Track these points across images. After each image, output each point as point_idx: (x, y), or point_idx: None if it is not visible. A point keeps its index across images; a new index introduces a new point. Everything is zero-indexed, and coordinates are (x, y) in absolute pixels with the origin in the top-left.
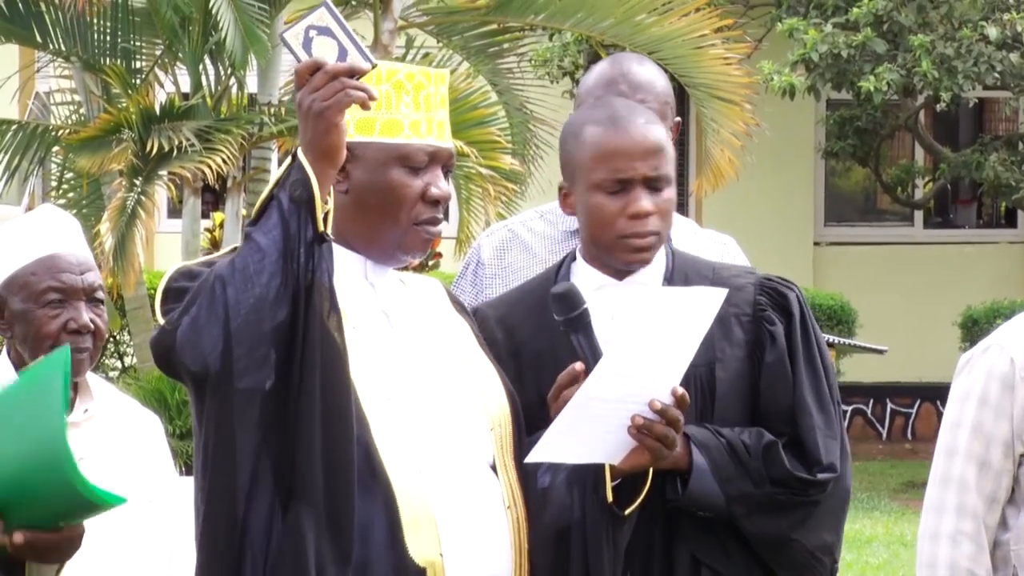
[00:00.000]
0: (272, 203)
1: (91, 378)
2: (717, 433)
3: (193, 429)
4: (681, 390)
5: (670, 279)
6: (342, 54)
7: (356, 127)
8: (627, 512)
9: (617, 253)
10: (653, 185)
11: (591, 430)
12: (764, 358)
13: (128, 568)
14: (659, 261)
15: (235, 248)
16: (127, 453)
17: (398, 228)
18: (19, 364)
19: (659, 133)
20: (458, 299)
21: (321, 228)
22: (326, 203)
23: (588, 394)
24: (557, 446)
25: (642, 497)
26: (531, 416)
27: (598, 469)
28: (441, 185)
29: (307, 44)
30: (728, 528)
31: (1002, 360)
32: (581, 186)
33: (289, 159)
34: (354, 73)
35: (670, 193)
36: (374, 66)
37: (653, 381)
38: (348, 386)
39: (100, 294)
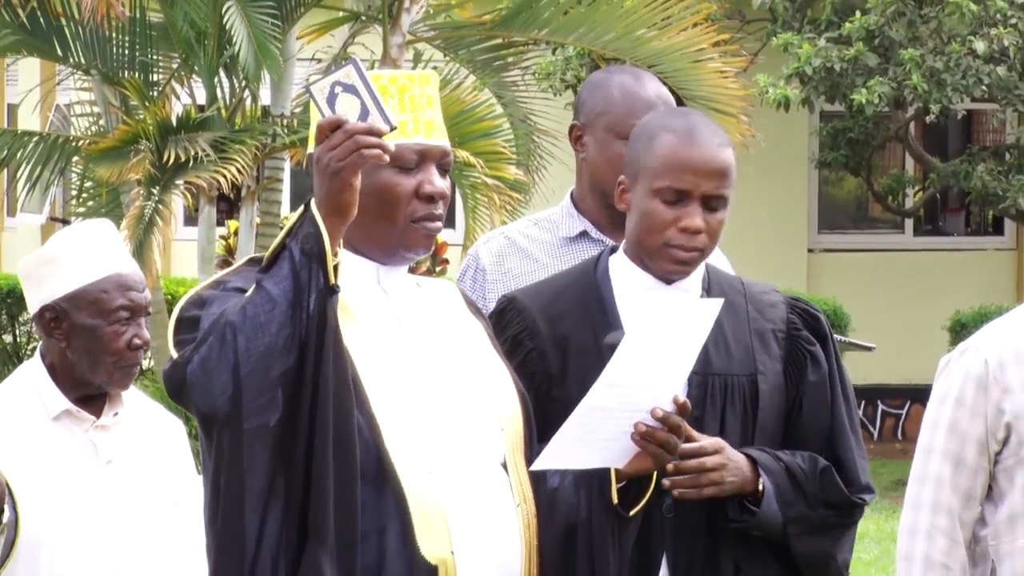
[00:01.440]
0: (284, 253)
1: None
2: (776, 457)
3: (202, 458)
4: (683, 398)
5: (708, 291)
6: (364, 113)
7: None
8: (631, 513)
9: (658, 260)
10: (709, 204)
11: (595, 438)
12: (806, 377)
13: (154, 569)
14: (698, 273)
15: (251, 259)
16: (154, 456)
17: (396, 227)
18: (60, 370)
19: (728, 156)
20: (473, 301)
21: (332, 280)
22: (336, 255)
23: (591, 404)
24: (562, 454)
25: (646, 499)
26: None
27: (603, 472)
28: (435, 182)
29: (331, 99)
30: (767, 541)
31: (977, 361)
32: (642, 188)
33: (301, 208)
34: (372, 134)
35: (723, 215)
36: (393, 128)
37: (655, 390)
38: (353, 424)
39: (151, 309)
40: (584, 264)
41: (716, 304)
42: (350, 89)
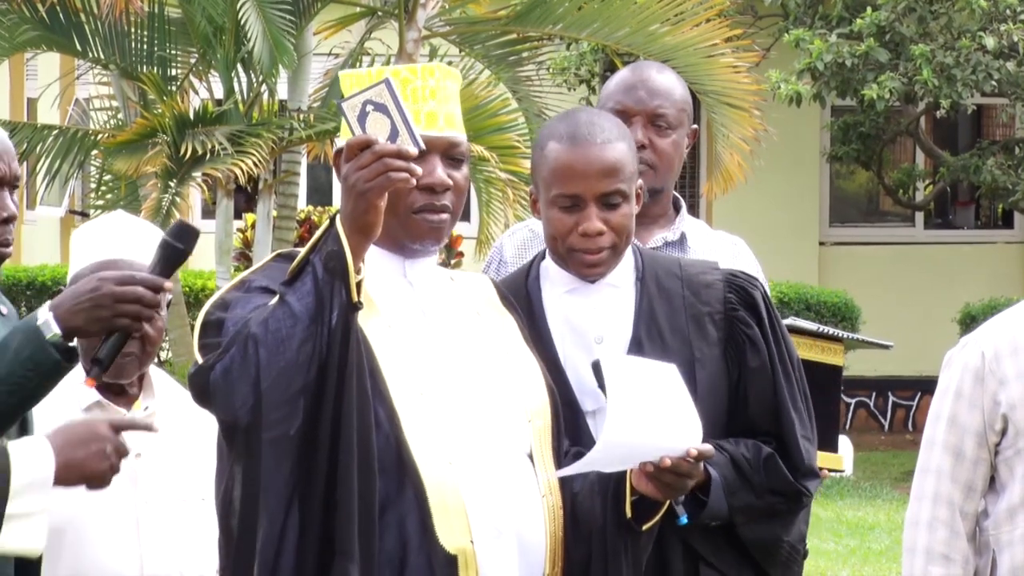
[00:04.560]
0: (307, 268)
1: (155, 374)
2: (719, 448)
3: (217, 461)
4: (698, 448)
5: (641, 278)
6: (393, 134)
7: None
8: (645, 528)
9: (571, 264)
10: (607, 202)
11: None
12: (747, 362)
13: (177, 563)
14: (628, 261)
15: (279, 255)
16: (184, 450)
17: (397, 218)
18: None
19: (615, 152)
20: (507, 295)
21: (355, 298)
22: (359, 272)
23: (592, 460)
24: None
25: (660, 514)
26: None
27: (619, 484)
28: (436, 172)
29: (362, 118)
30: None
31: (974, 355)
32: (543, 198)
33: (326, 223)
34: (401, 157)
35: (627, 209)
36: (422, 150)
37: (666, 442)
38: (373, 439)
39: (169, 300)
40: (520, 270)
41: (669, 368)
42: (381, 108)
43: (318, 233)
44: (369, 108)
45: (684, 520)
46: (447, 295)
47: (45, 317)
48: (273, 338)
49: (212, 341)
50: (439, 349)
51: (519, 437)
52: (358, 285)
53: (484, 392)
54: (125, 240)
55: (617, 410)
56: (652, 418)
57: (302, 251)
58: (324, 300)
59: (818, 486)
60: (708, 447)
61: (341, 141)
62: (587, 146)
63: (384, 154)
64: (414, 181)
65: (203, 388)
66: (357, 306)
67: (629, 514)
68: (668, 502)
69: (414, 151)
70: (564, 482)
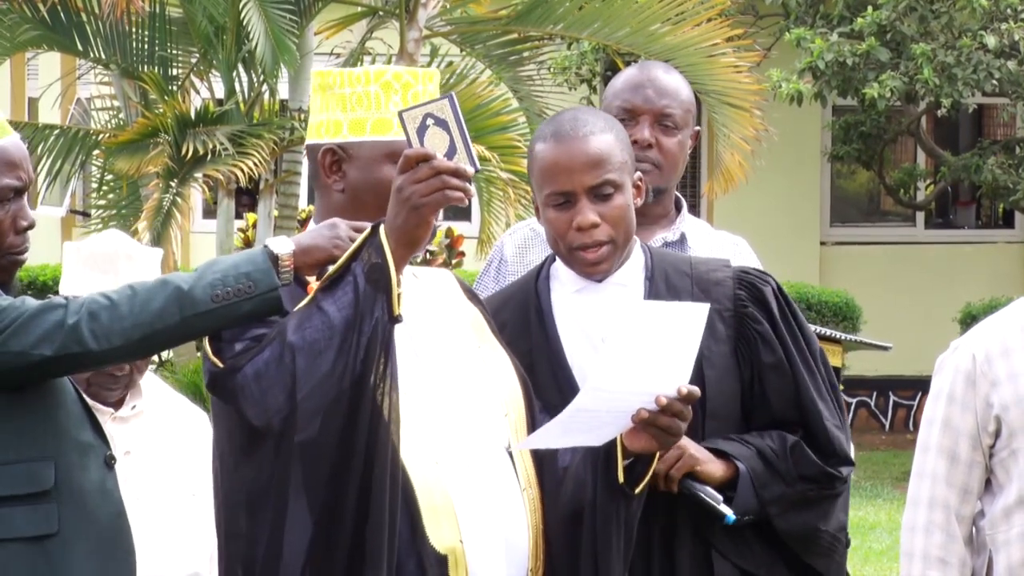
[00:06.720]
0: (348, 277)
1: (145, 375)
2: (744, 443)
3: (217, 459)
4: (688, 388)
5: (651, 277)
6: (451, 151)
7: (350, 128)
8: (637, 491)
9: (573, 264)
10: (598, 194)
11: (582, 427)
12: (760, 359)
13: (168, 558)
14: (638, 260)
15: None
16: (172, 448)
17: None
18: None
19: (599, 143)
20: (470, 288)
21: (396, 311)
22: (400, 284)
23: (578, 406)
24: (547, 441)
25: (649, 475)
26: None
27: (610, 450)
28: None
29: (422, 131)
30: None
31: (965, 357)
32: (539, 200)
33: (369, 230)
34: (458, 175)
35: (621, 199)
36: (477, 171)
37: (646, 391)
38: (399, 455)
39: None
40: (531, 272)
41: (703, 310)
42: (442, 124)
43: (359, 240)
44: (429, 122)
45: (731, 519)
46: (416, 292)
47: (278, 242)
48: (311, 348)
49: (227, 342)
50: (418, 346)
51: (497, 432)
52: (399, 297)
53: (463, 389)
54: (123, 261)
55: (607, 359)
56: (640, 367)
57: (342, 257)
58: (364, 313)
59: (851, 472)
60: (695, 388)
61: (318, 140)
62: (569, 140)
63: (442, 170)
64: (467, 201)
65: (228, 387)
66: (398, 319)
67: (622, 479)
68: (655, 465)
69: (471, 170)
70: (546, 463)
